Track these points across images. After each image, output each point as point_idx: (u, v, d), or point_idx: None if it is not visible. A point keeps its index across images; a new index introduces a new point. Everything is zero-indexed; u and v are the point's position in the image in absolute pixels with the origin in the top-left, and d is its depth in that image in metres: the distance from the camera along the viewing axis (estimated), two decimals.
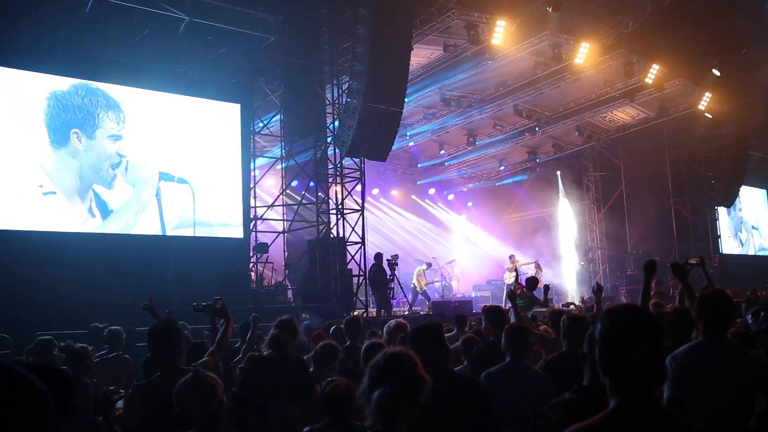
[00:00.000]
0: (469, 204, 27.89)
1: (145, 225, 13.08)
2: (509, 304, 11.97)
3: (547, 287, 11.20)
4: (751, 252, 25.99)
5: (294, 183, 17.11)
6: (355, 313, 14.03)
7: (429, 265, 19.97)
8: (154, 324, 4.26)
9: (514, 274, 20.05)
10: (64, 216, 12.11)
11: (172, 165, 13.52)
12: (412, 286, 19.20)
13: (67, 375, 1.52)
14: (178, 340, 4.18)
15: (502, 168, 25.88)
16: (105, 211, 12.60)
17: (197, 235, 13.60)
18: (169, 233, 13.28)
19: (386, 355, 2.52)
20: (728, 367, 3.59)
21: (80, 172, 12.31)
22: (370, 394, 2.41)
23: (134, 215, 12.95)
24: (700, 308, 3.81)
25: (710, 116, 20.54)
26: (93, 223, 12.45)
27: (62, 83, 12.33)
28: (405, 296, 16.93)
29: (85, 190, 12.36)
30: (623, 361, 1.98)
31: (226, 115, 14.66)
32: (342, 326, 6.91)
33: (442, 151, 24.10)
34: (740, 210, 25.35)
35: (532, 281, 11.58)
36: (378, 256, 14.65)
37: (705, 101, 19.81)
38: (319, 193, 15.98)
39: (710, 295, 3.90)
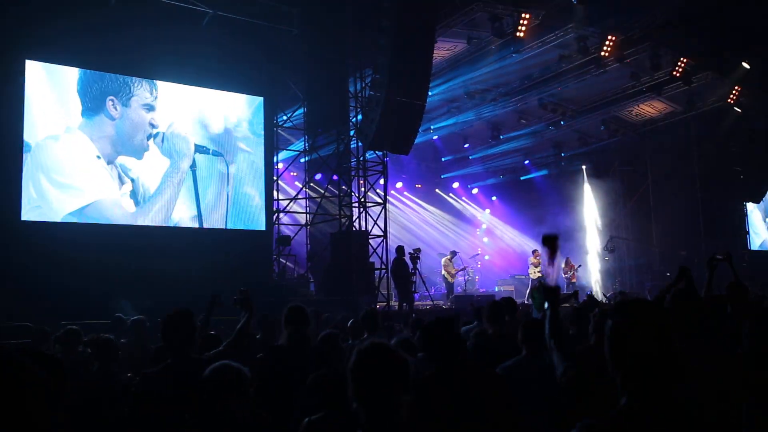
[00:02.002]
0: (494, 198, 27.75)
1: (181, 205, 13.48)
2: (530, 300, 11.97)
3: (576, 293, 11.17)
4: None
5: (318, 176, 17.15)
6: (378, 306, 14.12)
7: (454, 253, 19.98)
8: (168, 313, 4.27)
9: (539, 268, 20.05)
10: (106, 178, 12.63)
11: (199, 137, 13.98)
12: (442, 276, 19.23)
13: (59, 362, 1.51)
14: (193, 330, 4.20)
15: (526, 162, 25.70)
16: (141, 186, 13.04)
17: (228, 214, 13.89)
18: (203, 212, 13.62)
19: (357, 352, 2.52)
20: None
21: (114, 139, 12.81)
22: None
23: (173, 186, 13.31)
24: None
25: (739, 110, 20.21)
26: (126, 193, 12.91)
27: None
28: (427, 290, 16.88)
29: (115, 157, 12.83)
30: (633, 357, 1.94)
31: (249, 108, 14.74)
32: (359, 320, 6.89)
33: (467, 145, 23.96)
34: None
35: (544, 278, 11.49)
36: (399, 249, 14.62)
37: (734, 95, 19.49)
38: (342, 187, 16.00)
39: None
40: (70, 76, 12.55)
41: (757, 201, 23.12)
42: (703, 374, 3.44)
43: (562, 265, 20.34)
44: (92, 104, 12.60)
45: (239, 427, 3.32)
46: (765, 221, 24.84)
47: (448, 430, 3.36)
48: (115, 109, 12.80)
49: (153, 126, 13.23)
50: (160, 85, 13.56)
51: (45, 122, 12.14)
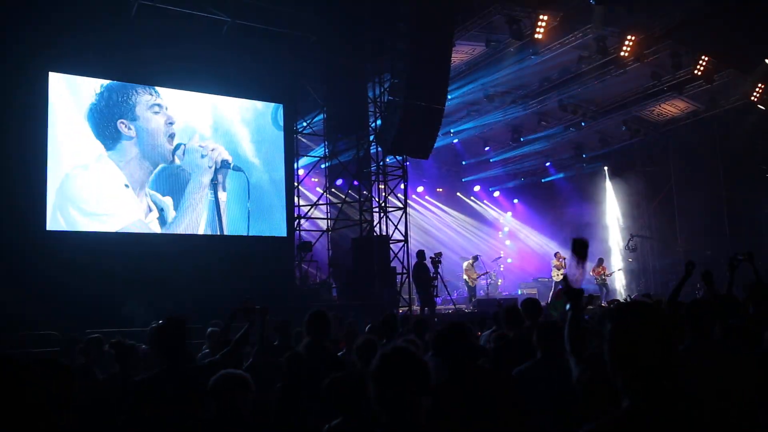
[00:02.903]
0: (515, 201, 27.67)
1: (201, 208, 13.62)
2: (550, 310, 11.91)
3: (581, 292, 11.08)
4: None
5: (338, 182, 17.22)
6: (401, 311, 14.14)
7: (476, 257, 19.97)
8: (161, 323, 4.36)
9: (561, 271, 19.97)
10: (133, 205, 12.87)
11: (221, 150, 14.11)
12: (464, 280, 19.22)
13: (66, 368, 1.56)
14: (183, 338, 4.27)
15: (548, 164, 25.58)
16: (165, 207, 13.23)
17: (250, 226, 14.05)
18: (224, 222, 13.82)
19: (380, 356, 2.58)
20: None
21: (140, 156, 13.04)
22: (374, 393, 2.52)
23: (196, 203, 13.49)
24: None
25: (763, 108, 19.95)
26: (153, 220, 13.12)
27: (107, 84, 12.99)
28: (449, 294, 16.85)
29: (144, 184, 13.05)
30: (633, 359, 1.94)
31: (269, 115, 14.86)
32: (378, 325, 6.91)
33: (487, 148, 23.92)
34: None
35: (567, 278, 11.38)
36: (420, 254, 14.63)
37: (757, 92, 19.26)
38: (363, 192, 16.05)
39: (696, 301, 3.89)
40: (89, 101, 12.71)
41: None
42: (716, 375, 3.42)
43: (596, 268, 20.22)
44: (108, 132, 12.77)
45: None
46: None
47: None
48: (129, 128, 12.97)
49: (171, 135, 13.40)
50: (176, 93, 13.73)
51: (72, 150, 12.40)
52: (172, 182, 13.30)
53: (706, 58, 17.45)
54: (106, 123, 12.76)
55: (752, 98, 19.39)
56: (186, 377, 4.10)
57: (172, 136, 13.42)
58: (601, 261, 20.58)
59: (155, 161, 13.16)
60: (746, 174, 22.31)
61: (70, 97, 12.48)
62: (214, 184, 13.71)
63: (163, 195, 13.18)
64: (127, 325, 9.67)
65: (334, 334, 6.97)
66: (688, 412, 1.96)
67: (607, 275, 20.32)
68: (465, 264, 19.11)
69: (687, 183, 23.05)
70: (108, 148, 12.69)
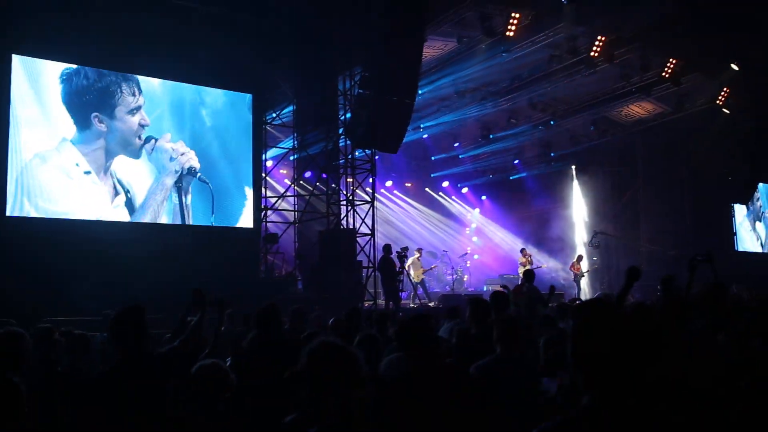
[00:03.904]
0: (483, 197, 27.76)
1: (163, 208, 13.44)
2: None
3: (552, 288, 11.20)
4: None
5: (307, 174, 17.12)
6: (366, 305, 14.13)
7: (420, 250, 19.88)
8: (119, 310, 4.24)
9: (527, 267, 20.05)
10: (96, 194, 12.58)
11: (190, 156, 13.78)
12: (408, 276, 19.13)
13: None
14: (144, 327, 4.16)
15: (516, 161, 25.70)
16: (130, 193, 13.01)
17: (215, 218, 13.97)
18: (189, 216, 13.70)
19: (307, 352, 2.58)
20: None
21: (107, 148, 12.78)
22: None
23: (159, 199, 13.30)
24: None
25: (728, 111, 20.26)
26: (120, 204, 12.92)
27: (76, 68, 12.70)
28: (414, 289, 16.87)
29: (109, 165, 12.83)
30: (593, 357, 1.95)
31: (238, 104, 14.71)
32: (342, 318, 6.87)
33: (456, 144, 23.97)
34: (762, 209, 25.08)
35: (529, 274, 11.44)
36: (387, 248, 14.61)
37: (723, 96, 19.54)
38: (332, 185, 15.99)
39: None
40: (54, 86, 12.42)
41: (744, 202, 23.22)
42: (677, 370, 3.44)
43: (576, 264, 20.40)
44: (79, 118, 12.52)
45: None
46: (749, 221, 24.94)
47: (418, 428, 3.36)
48: (102, 123, 12.72)
49: (142, 126, 13.18)
50: (147, 84, 13.48)
51: (35, 135, 12.12)
52: (136, 173, 13.08)
53: (674, 61, 17.66)
54: (77, 111, 12.49)
55: (717, 102, 19.67)
56: (147, 366, 4.02)
57: (142, 136, 13.19)
58: (580, 258, 20.75)
59: (121, 152, 12.95)
60: (710, 176, 22.67)
61: (32, 80, 12.18)
62: (177, 188, 13.52)
63: (130, 178, 12.99)
64: (90, 313, 9.51)
65: (299, 328, 6.94)
66: (648, 410, 1.96)
67: (582, 273, 20.48)
68: (410, 259, 18.94)
69: (652, 184, 23.36)
70: (75, 135, 12.43)
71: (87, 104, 12.64)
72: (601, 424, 1.91)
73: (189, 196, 13.67)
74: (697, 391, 3.43)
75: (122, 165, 12.92)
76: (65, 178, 12.28)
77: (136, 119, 13.16)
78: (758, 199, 24.85)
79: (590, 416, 1.92)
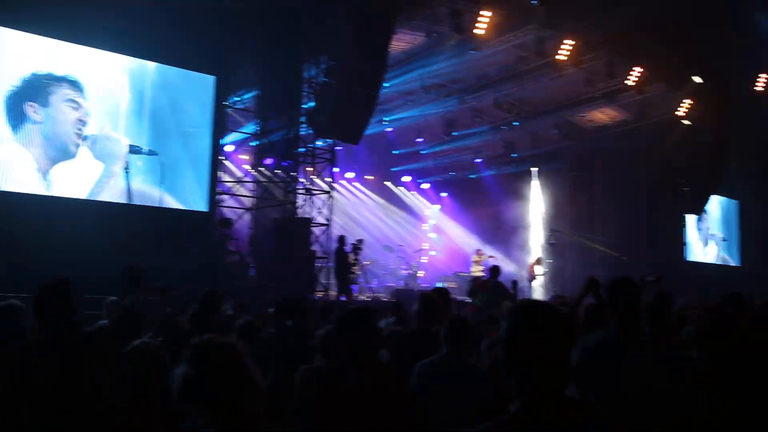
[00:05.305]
0: (443, 194, 27.78)
1: (112, 196, 12.88)
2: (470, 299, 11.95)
3: (515, 283, 11.22)
4: (718, 262, 26.24)
5: (268, 161, 16.88)
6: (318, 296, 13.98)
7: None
8: (41, 285, 4.00)
9: (481, 267, 20.16)
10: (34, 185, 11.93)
11: (140, 135, 13.28)
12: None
13: None
14: (67, 300, 3.93)
15: (478, 160, 25.72)
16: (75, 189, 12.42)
17: (165, 198, 13.44)
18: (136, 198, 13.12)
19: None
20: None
21: (45, 144, 12.06)
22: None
23: (107, 191, 12.78)
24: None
25: (688, 123, 20.52)
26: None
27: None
28: (367, 282, 16.74)
29: (50, 163, 12.13)
30: (526, 359, 1.86)
31: (199, 86, 14.37)
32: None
33: (420, 140, 23.89)
34: (709, 221, 25.59)
35: (495, 270, 11.42)
36: (341, 239, 14.49)
37: (684, 107, 19.78)
38: (291, 173, 15.79)
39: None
40: None
41: (697, 213, 23.60)
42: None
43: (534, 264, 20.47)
44: (14, 111, 11.84)
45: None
46: (701, 240, 25.43)
47: (345, 425, 3.26)
48: (37, 113, 12.00)
49: (82, 122, 12.51)
50: (94, 72, 12.84)
51: None
52: (79, 174, 12.50)
53: (640, 70, 17.79)
54: (14, 100, 11.81)
55: (678, 113, 19.90)
56: (70, 343, 3.80)
57: (81, 139, 12.51)
58: (539, 260, 20.80)
59: (57, 152, 12.27)
60: (667, 186, 23.00)
61: None
62: (127, 173, 13.02)
63: (68, 184, 12.36)
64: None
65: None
66: (579, 418, 1.88)
67: (535, 276, 20.56)
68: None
69: (610, 190, 23.60)
70: (12, 125, 11.78)
71: (20, 96, 11.88)
72: (534, 430, 1.82)
73: (139, 177, 13.21)
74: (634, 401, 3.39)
75: (59, 172, 12.24)
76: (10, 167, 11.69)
77: (74, 114, 12.44)
78: (706, 219, 25.30)
79: (518, 424, 1.83)
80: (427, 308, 5.24)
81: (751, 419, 2.18)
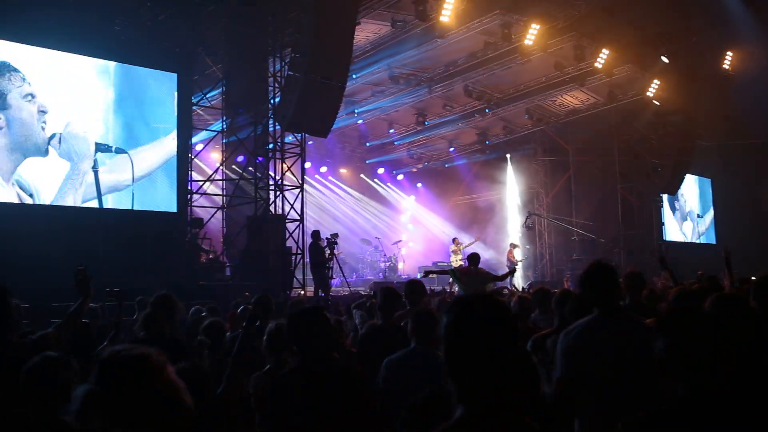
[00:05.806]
0: (419, 185, 27.69)
1: (84, 195, 12.54)
2: (455, 287, 11.86)
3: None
4: (694, 240, 26.37)
5: (240, 158, 16.63)
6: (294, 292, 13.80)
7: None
8: None
9: (460, 256, 20.11)
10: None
11: (107, 134, 12.98)
12: None
13: None
14: (8, 311, 3.74)
15: (451, 149, 25.64)
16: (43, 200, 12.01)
17: (135, 207, 13.09)
18: (106, 206, 12.77)
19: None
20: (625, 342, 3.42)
21: (10, 148, 11.61)
22: None
23: (74, 190, 12.38)
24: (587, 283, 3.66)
25: (658, 103, 20.57)
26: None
27: None
28: (344, 276, 16.55)
29: (14, 169, 11.69)
30: (470, 360, 1.67)
31: (163, 84, 14.07)
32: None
33: (392, 130, 23.74)
34: (685, 200, 25.69)
35: (475, 257, 11.31)
36: (315, 234, 14.30)
37: (653, 88, 19.80)
38: (263, 169, 15.56)
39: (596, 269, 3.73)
40: None
41: (672, 193, 23.68)
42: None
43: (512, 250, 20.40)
44: None
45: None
46: (677, 220, 25.53)
47: (301, 426, 3.12)
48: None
49: (44, 112, 11.98)
50: (54, 73, 12.41)
51: None
52: (46, 173, 12.07)
53: (607, 52, 17.76)
54: None
55: (648, 94, 19.93)
56: (13, 354, 3.61)
57: (48, 138, 12.05)
58: (513, 245, 20.67)
59: (26, 152, 11.82)
60: (640, 167, 23.09)
61: None
62: (95, 171, 12.70)
63: (36, 184, 11.90)
64: None
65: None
66: (525, 425, 1.71)
67: (516, 262, 20.44)
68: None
69: (585, 173, 23.67)
70: None
71: None
72: None
73: (109, 176, 12.89)
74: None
75: (26, 170, 11.82)
76: None
77: (33, 107, 11.91)
78: (683, 195, 25.37)
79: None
80: (386, 301, 5.10)
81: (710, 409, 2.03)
